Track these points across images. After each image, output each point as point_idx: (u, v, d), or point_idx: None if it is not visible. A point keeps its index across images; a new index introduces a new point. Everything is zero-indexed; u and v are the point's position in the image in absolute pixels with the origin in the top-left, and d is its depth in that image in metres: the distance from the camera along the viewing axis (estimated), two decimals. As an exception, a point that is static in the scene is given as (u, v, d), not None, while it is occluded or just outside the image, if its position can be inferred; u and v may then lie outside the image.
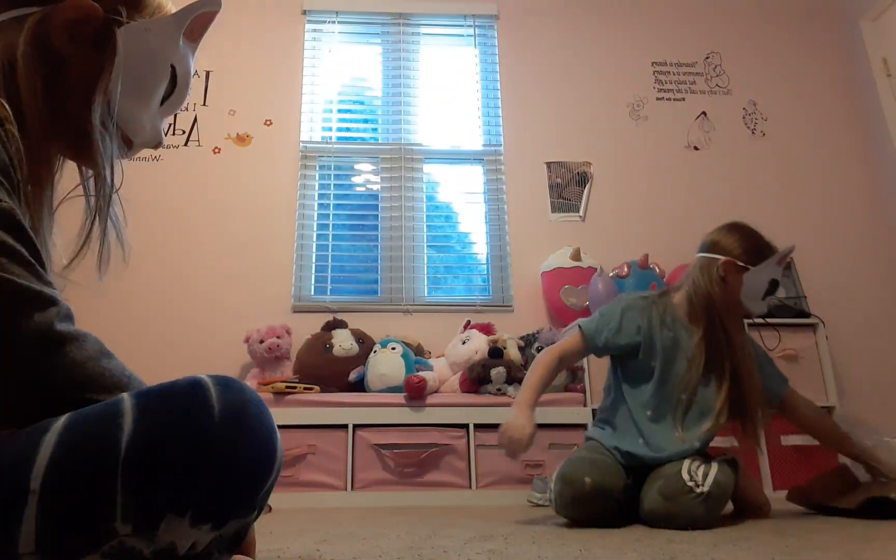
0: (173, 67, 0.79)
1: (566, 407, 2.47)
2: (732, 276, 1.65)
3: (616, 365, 1.75)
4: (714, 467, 1.44)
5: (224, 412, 0.55)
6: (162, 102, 0.80)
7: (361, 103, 3.46)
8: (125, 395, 0.56)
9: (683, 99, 3.50)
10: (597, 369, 2.55)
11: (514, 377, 2.46)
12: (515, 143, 3.37)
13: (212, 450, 0.54)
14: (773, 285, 1.64)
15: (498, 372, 2.44)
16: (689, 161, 3.40)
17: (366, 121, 3.45)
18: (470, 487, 2.33)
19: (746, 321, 2.65)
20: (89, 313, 3.15)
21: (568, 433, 2.43)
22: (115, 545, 0.52)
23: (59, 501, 0.51)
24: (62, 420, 0.54)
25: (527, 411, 1.57)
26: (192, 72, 0.84)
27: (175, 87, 0.81)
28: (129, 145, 0.79)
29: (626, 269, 2.87)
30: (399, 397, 2.44)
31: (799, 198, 3.33)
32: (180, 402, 0.55)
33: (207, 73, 3.33)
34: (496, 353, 2.51)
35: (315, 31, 3.49)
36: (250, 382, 2.64)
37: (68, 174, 0.84)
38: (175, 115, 3.25)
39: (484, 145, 3.40)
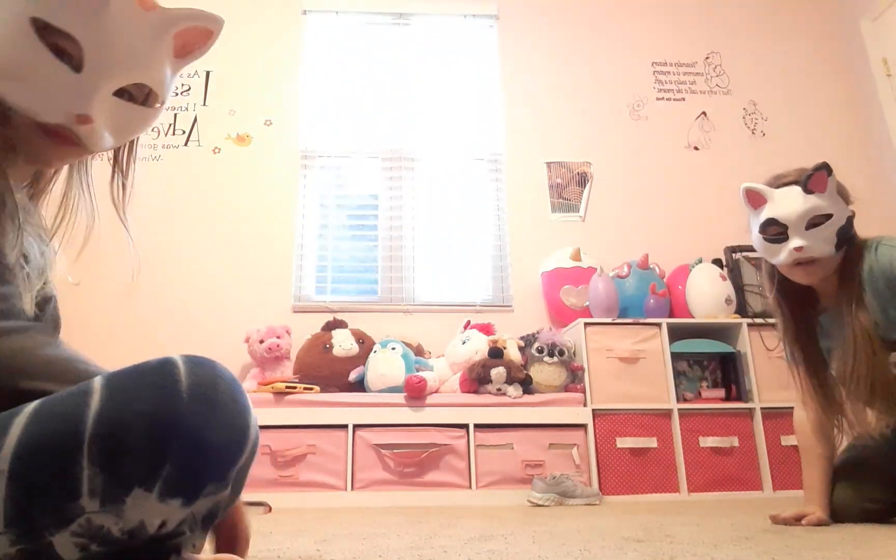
0: (42, 27, 0.64)
1: (566, 407, 2.47)
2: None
3: None
4: None
5: (193, 388, 0.55)
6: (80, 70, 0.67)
7: (361, 102, 3.45)
8: (96, 378, 0.56)
9: (683, 99, 3.50)
10: (597, 369, 2.56)
11: (514, 377, 2.46)
12: (515, 144, 3.37)
13: (180, 423, 0.53)
14: (768, 224, 1.43)
15: (498, 372, 2.44)
16: (689, 161, 3.40)
17: (366, 120, 3.44)
18: (470, 487, 2.33)
19: (746, 320, 2.67)
20: (90, 313, 3.14)
21: (568, 433, 2.44)
22: (83, 523, 0.52)
23: (26, 479, 0.51)
24: (35, 404, 0.54)
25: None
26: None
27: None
28: (48, 131, 0.68)
29: (626, 269, 2.87)
30: (399, 397, 2.44)
31: (799, 198, 3.33)
32: (149, 379, 0.55)
33: (207, 73, 3.33)
34: (496, 353, 2.51)
35: (315, 31, 3.49)
36: (250, 382, 2.64)
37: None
38: (175, 115, 3.25)
39: (484, 145, 3.40)
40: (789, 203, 1.39)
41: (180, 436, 0.53)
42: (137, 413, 0.53)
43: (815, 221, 1.37)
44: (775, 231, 1.41)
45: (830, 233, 1.36)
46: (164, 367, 0.56)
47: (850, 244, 1.40)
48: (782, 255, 1.40)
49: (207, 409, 0.56)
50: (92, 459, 0.51)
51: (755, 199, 1.46)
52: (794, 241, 1.37)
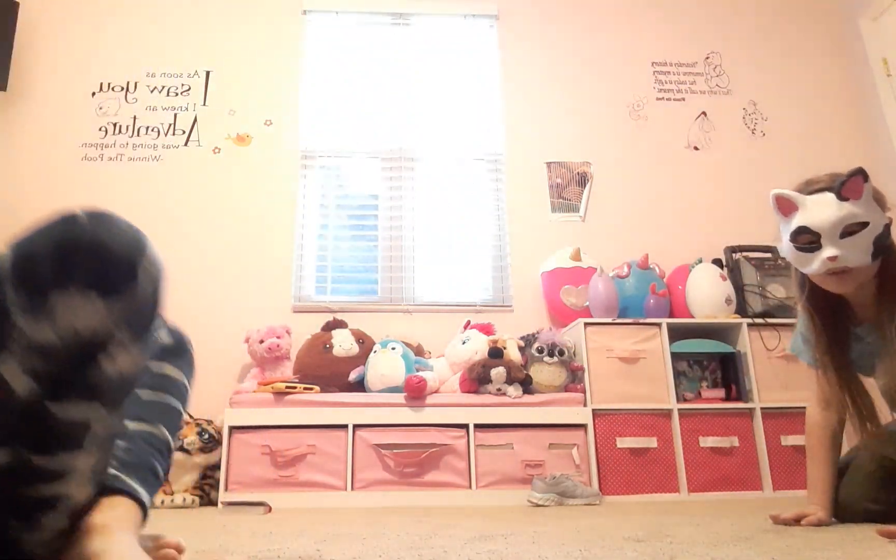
0: None
1: (566, 407, 2.47)
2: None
3: None
4: None
5: (90, 217, 0.62)
6: None
7: (361, 102, 3.45)
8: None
9: (683, 99, 3.51)
10: (597, 369, 2.56)
11: (513, 377, 2.46)
12: (515, 144, 3.37)
13: (81, 231, 0.61)
14: (800, 232, 1.35)
15: (498, 372, 2.44)
16: (689, 161, 3.40)
17: (366, 120, 3.44)
18: (470, 487, 2.34)
19: (746, 320, 2.68)
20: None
21: (568, 433, 2.44)
22: (21, 342, 0.59)
23: None
24: None
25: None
26: None
27: None
28: None
29: (626, 269, 2.87)
30: (399, 397, 2.44)
31: (799, 198, 3.33)
32: (50, 221, 0.62)
33: (207, 73, 3.33)
34: (496, 353, 2.51)
35: (315, 31, 3.49)
36: (250, 382, 2.64)
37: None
38: (175, 115, 3.25)
39: (484, 145, 3.40)
40: (822, 210, 1.31)
41: (83, 238, 0.60)
42: (44, 238, 0.60)
43: (851, 230, 1.29)
44: (807, 240, 1.33)
45: (867, 242, 1.29)
46: (62, 212, 0.63)
47: (887, 253, 1.32)
48: (815, 265, 1.33)
49: (106, 224, 0.63)
50: (13, 285, 0.59)
51: (786, 206, 1.38)
52: (828, 251, 1.29)
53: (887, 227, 1.32)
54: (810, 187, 1.36)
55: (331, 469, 2.33)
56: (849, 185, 1.30)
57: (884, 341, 1.33)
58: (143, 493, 0.76)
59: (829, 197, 1.31)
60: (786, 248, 1.39)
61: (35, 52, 3.27)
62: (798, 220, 1.34)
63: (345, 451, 2.35)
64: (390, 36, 3.53)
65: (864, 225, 1.29)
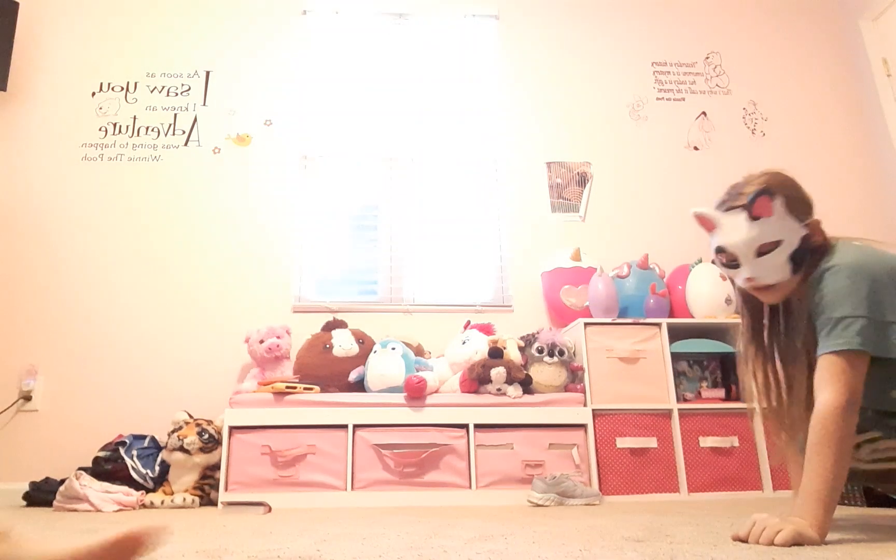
0: None
1: (566, 407, 2.47)
2: None
3: None
4: None
5: None
6: None
7: (361, 103, 3.45)
8: None
9: (683, 99, 3.51)
10: (597, 369, 2.56)
11: (513, 377, 2.46)
12: (515, 144, 3.37)
13: None
14: (719, 251, 1.38)
15: (498, 372, 2.44)
16: (689, 161, 3.40)
17: (366, 120, 3.44)
18: (470, 487, 2.33)
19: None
20: (90, 314, 3.13)
21: (568, 433, 2.44)
22: None
23: None
24: None
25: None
26: None
27: None
28: None
29: (626, 269, 2.87)
30: (399, 397, 2.44)
31: (799, 198, 3.33)
32: None
33: (207, 73, 3.33)
34: (496, 353, 2.51)
35: (315, 30, 3.49)
36: (251, 382, 2.64)
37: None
38: (175, 115, 3.25)
39: (484, 145, 3.40)
40: (735, 232, 1.32)
41: None
42: None
43: (764, 249, 1.30)
44: (727, 258, 1.36)
45: (782, 259, 1.29)
46: None
47: (814, 256, 1.31)
48: (738, 281, 1.37)
49: None
50: None
51: (706, 224, 1.41)
52: (745, 272, 1.32)
53: (805, 238, 1.30)
54: (731, 202, 1.36)
55: (331, 469, 2.33)
56: (757, 205, 1.30)
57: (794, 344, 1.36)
58: None
59: (741, 217, 1.32)
60: (715, 261, 1.42)
61: (35, 52, 3.27)
62: (716, 240, 1.37)
63: (345, 451, 2.35)
64: (390, 35, 3.53)
65: (778, 243, 1.29)
